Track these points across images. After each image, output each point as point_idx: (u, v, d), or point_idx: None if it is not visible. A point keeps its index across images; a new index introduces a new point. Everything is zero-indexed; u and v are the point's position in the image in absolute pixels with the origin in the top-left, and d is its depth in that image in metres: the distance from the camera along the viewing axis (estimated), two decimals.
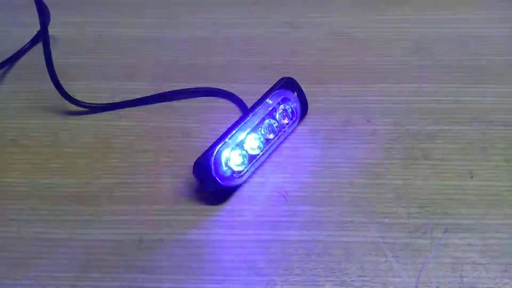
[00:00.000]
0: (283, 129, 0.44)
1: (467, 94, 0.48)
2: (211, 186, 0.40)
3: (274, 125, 0.44)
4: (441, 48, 0.53)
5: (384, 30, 0.56)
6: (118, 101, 0.49)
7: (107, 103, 0.49)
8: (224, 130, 0.41)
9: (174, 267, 0.38)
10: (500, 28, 0.55)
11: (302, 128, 0.46)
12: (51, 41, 0.46)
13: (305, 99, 0.45)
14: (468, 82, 0.50)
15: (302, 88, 0.45)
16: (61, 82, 0.47)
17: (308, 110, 0.47)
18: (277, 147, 0.44)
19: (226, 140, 0.40)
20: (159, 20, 0.58)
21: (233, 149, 0.41)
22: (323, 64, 0.52)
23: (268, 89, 0.44)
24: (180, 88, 0.50)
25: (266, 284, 0.36)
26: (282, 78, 0.44)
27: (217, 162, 0.39)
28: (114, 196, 0.42)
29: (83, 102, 0.48)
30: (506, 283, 0.36)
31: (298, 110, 0.45)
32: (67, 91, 0.47)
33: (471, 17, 0.57)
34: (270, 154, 0.44)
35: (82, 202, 0.42)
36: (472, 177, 0.42)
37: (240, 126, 0.41)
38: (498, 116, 0.46)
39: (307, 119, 0.47)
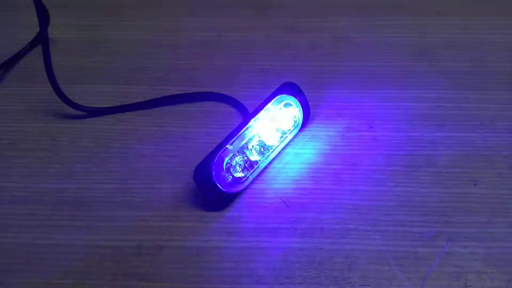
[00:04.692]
0: (285, 135, 0.44)
1: (470, 100, 0.48)
2: (211, 192, 0.39)
3: (276, 131, 0.43)
4: (444, 54, 0.53)
5: (387, 35, 0.55)
6: (117, 105, 0.48)
7: (107, 107, 0.48)
8: (225, 135, 0.41)
9: (173, 275, 0.37)
10: (503, 34, 0.55)
11: (303, 134, 0.46)
12: (50, 43, 0.45)
13: (307, 105, 0.45)
14: (472, 88, 0.49)
15: (304, 93, 0.45)
16: (60, 85, 0.46)
17: (310, 115, 0.46)
18: (278, 153, 0.44)
19: (227, 146, 0.40)
20: (159, 23, 0.58)
21: (234, 155, 0.40)
22: (325, 69, 0.52)
23: (269, 94, 0.43)
24: (180, 92, 0.49)
25: None
26: (284, 83, 0.44)
27: (218, 168, 0.39)
28: (113, 202, 0.41)
29: (82, 106, 0.47)
30: None
31: (300, 116, 0.44)
32: (66, 94, 0.47)
33: (474, 23, 0.56)
34: (271, 160, 0.43)
35: (80, 207, 0.41)
36: (476, 185, 0.42)
37: (241, 131, 0.41)
38: (502, 123, 0.46)
39: (309, 124, 0.46)
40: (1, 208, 0.41)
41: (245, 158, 0.41)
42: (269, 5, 0.60)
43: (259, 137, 0.42)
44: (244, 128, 0.41)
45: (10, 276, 0.37)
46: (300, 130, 0.45)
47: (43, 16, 0.44)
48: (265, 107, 0.42)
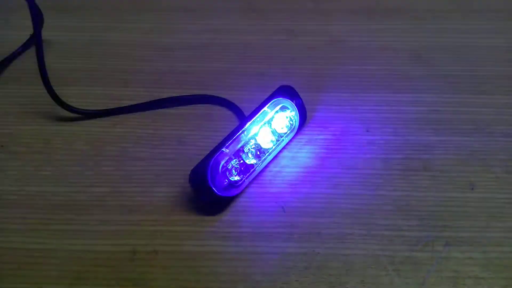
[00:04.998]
0: (281, 138, 0.43)
1: (466, 104, 0.48)
2: (207, 196, 0.39)
3: (272, 134, 0.43)
4: (440, 58, 0.53)
5: (384, 39, 0.55)
6: (112, 108, 0.48)
7: (101, 109, 0.48)
8: (221, 138, 0.40)
9: (168, 280, 0.36)
10: (499, 39, 0.55)
11: (300, 137, 0.45)
12: (44, 45, 0.45)
13: (304, 108, 0.45)
14: (468, 92, 0.49)
15: (301, 96, 0.44)
16: (54, 87, 0.46)
17: (307, 119, 0.46)
18: (275, 156, 0.44)
19: (223, 149, 0.39)
20: (155, 25, 0.58)
21: (230, 158, 0.40)
22: (322, 72, 0.52)
23: (266, 97, 0.43)
24: (176, 95, 0.49)
25: None
26: (280, 86, 0.44)
27: (214, 172, 0.39)
28: (107, 205, 0.41)
29: (76, 108, 0.47)
30: None
31: (297, 119, 0.44)
32: (60, 96, 0.46)
33: (471, 28, 0.56)
34: (267, 163, 0.43)
35: (73, 211, 0.40)
36: (472, 189, 0.42)
37: (237, 134, 0.40)
38: (498, 127, 0.46)
39: (305, 128, 0.46)
40: None
41: (241, 161, 0.41)
42: (266, 8, 0.60)
43: (255, 140, 0.42)
44: (240, 131, 0.41)
45: (2, 282, 0.36)
46: (297, 133, 0.45)
47: (37, 18, 0.44)
48: (262, 110, 0.42)
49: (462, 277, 0.36)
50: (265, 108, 0.42)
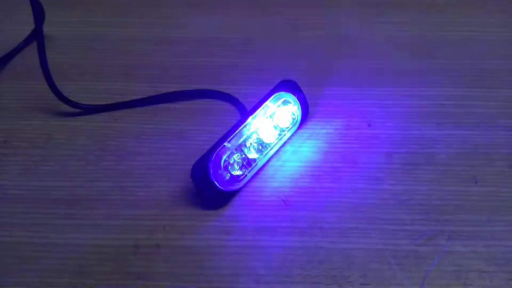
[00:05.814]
0: (283, 133, 0.43)
1: (470, 98, 0.48)
2: (209, 191, 0.39)
3: (274, 129, 0.43)
4: (443, 51, 0.53)
5: (387, 33, 0.55)
6: (113, 103, 0.48)
7: (103, 104, 0.48)
8: (223, 133, 0.40)
9: (171, 274, 0.36)
10: (503, 33, 0.55)
11: (302, 132, 0.45)
12: (46, 40, 0.45)
13: (306, 102, 0.45)
14: (471, 86, 0.49)
15: (303, 90, 0.44)
16: (56, 82, 0.46)
17: (309, 113, 0.46)
18: (277, 151, 0.43)
19: (225, 143, 0.39)
20: (157, 20, 0.58)
21: (232, 152, 0.40)
22: (324, 66, 0.51)
23: (267, 91, 0.43)
24: (178, 89, 0.49)
25: None
26: (282, 80, 0.44)
27: (216, 166, 0.38)
28: (109, 200, 0.41)
29: (78, 103, 0.47)
30: None
31: (299, 113, 0.44)
32: (61, 91, 0.46)
33: (474, 21, 0.56)
34: (269, 158, 0.43)
35: (76, 205, 0.40)
36: (476, 183, 0.41)
37: (239, 129, 0.40)
38: (502, 121, 0.46)
39: (307, 122, 0.46)
40: None
41: (243, 156, 0.41)
42: (268, 2, 0.60)
43: (257, 134, 0.42)
44: (242, 126, 0.40)
45: (5, 275, 0.37)
46: (299, 127, 0.45)
47: (39, 13, 0.43)
48: (263, 105, 0.42)
49: (465, 271, 0.36)
50: (267, 103, 0.42)
